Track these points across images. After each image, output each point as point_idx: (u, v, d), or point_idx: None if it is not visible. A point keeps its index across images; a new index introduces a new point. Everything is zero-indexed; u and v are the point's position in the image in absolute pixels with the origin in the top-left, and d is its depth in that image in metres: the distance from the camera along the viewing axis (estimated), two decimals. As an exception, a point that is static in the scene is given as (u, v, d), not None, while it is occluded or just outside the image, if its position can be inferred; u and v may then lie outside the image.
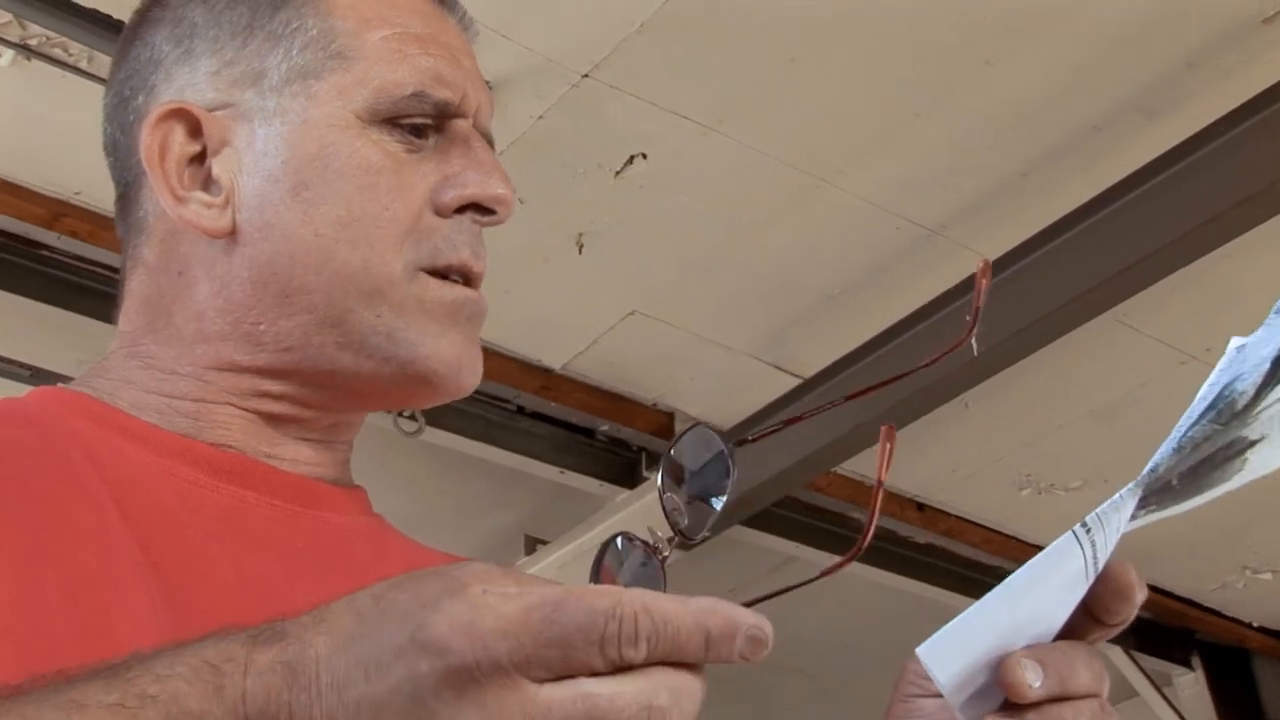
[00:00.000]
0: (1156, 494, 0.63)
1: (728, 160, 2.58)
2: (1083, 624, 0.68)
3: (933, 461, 3.38)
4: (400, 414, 2.92)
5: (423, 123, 0.85)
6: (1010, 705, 0.64)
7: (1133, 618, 0.69)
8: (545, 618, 0.49)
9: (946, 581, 3.64)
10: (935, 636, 0.61)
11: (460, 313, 0.85)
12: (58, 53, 2.33)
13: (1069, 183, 2.55)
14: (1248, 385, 0.58)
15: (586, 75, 2.41)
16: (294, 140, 0.83)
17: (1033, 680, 0.63)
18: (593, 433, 3.31)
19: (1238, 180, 2.24)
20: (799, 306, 2.96)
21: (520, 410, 3.20)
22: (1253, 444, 0.62)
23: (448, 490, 3.36)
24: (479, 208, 0.86)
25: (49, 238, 2.66)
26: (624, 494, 3.29)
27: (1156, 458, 0.61)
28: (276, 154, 0.83)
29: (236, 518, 0.79)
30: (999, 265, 2.56)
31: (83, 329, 2.67)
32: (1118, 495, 0.61)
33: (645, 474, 3.30)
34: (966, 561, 3.67)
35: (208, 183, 0.84)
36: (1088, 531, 0.60)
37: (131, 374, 0.85)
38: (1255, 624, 4.09)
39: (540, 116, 2.50)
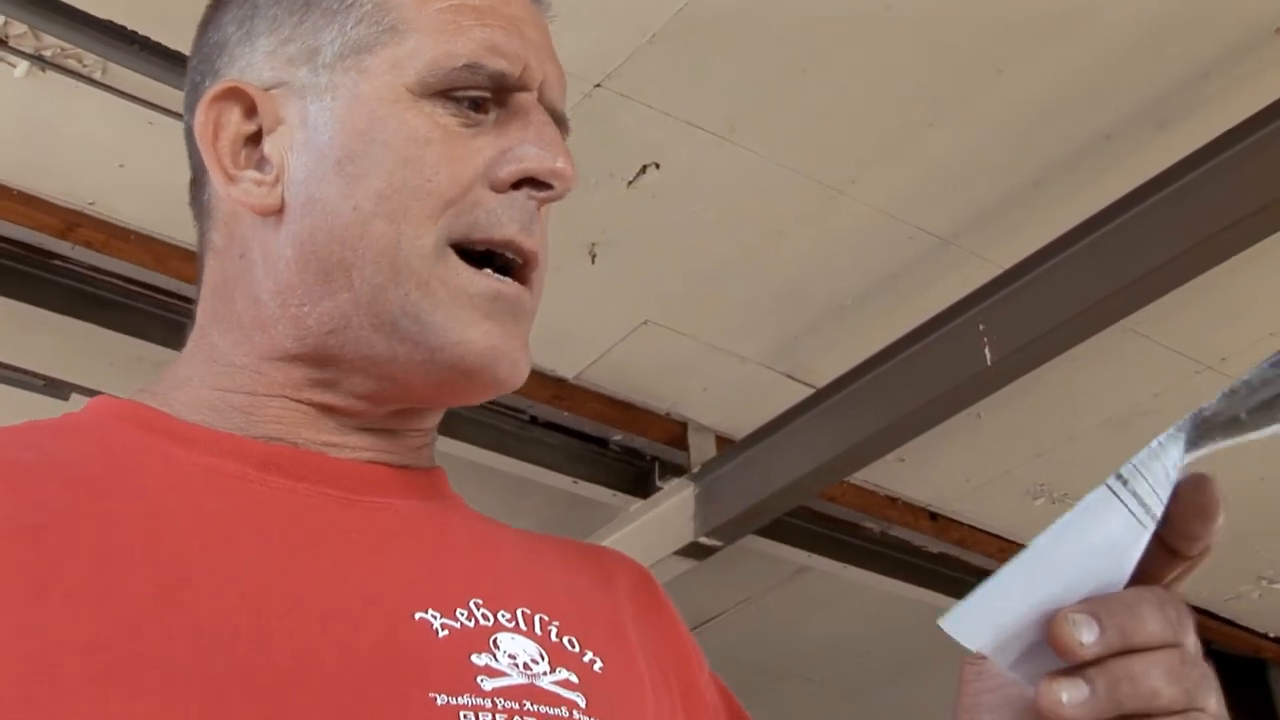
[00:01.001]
0: (1222, 427, 0.61)
1: (740, 170, 2.58)
2: (1162, 564, 0.65)
3: (945, 471, 3.37)
4: (413, 424, 2.92)
5: (480, 95, 0.81)
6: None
7: (1214, 542, 0.65)
8: None
9: (959, 591, 3.59)
10: (959, 605, 0.59)
11: (494, 305, 0.80)
12: (72, 64, 2.34)
13: (1081, 192, 2.55)
14: None
15: (599, 85, 2.41)
16: (344, 115, 0.81)
17: (1084, 636, 0.60)
18: (606, 442, 3.31)
19: (1251, 189, 2.23)
20: (812, 316, 2.96)
21: (533, 420, 3.21)
22: None
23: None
24: (536, 183, 0.82)
25: (63, 248, 2.67)
26: (637, 504, 3.28)
27: (1205, 403, 0.59)
28: (326, 129, 0.81)
29: (284, 510, 0.76)
30: (1011, 275, 2.55)
31: (97, 339, 2.68)
32: (1156, 441, 0.59)
33: (659, 484, 3.29)
34: (979, 571, 3.66)
35: (261, 161, 0.83)
36: (1124, 483, 0.58)
37: (195, 369, 0.83)
38: (1271, 634, 4.08)
39: (553, 126, 2.50)
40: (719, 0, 2.26)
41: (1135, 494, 0.58)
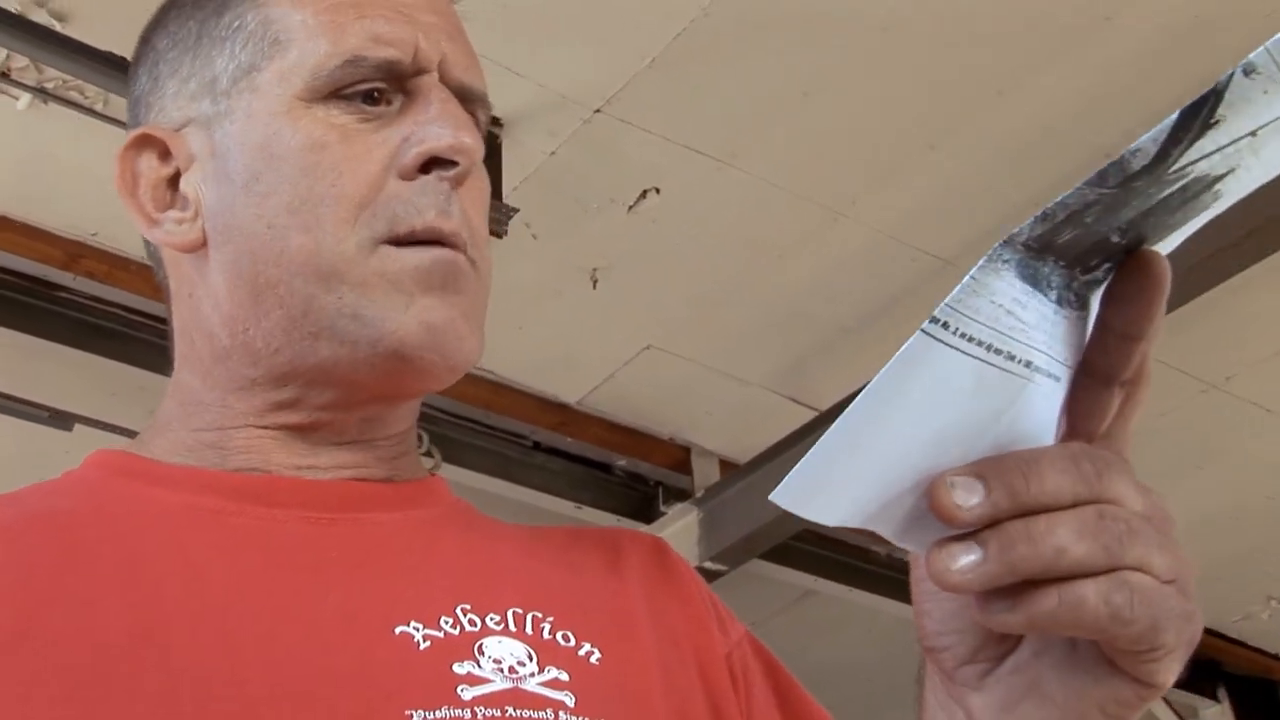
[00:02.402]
0: (1058, 247, 0.54)
1: (741, 193, 2.59)
2: (1094, 407, 0.58)
3: (951, 493, 3.36)
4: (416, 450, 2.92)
5: (373, 88, 0.80)
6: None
7: (1154, 336, 0.57)
8: None
9: (966, 614, 3.62)
10: (786, 477, 0.53)
11: (431, 277, 0.78)
12: (74, 95, 2.34)
13: (1084, 212, 2.55)
14: (1142, 146, 0.53)
15: (599, 110, 2.42)
16: (243, 137, 0.80)
17: (962, 498, 0.54)
18: (609, 468, 3.31)
19: (1254, 206, 2.22)
20: (814, 339, 2.96)
21: (537, 446, 3.20)
22: (1220, 177, 0.57)
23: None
24: (442, 162, 0.80)
25: (66, 279, 2.68)
26: (642, 528, 3.27)
27: (1017, 227, 0.53)
28: (231, 155, 0.81)
29: (262, 539, 0.76)
30: (1015, 295, 2.55)
31: (101, 370, 2.68)
32: (968, 276, 0.52)
33: (662, 509, 3.29)
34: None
35: (181, 200, 0.83)
36: (944, 326, 0.52)
37: (173, 412, 0.84)
38: (1280, 654, 4.06)
39: (553, 152, 2.50)
40: (718, 25, 2.27)
41: (968, 335, 0.53)
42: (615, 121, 2.44)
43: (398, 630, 0.72)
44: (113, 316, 2.70)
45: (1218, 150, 0.54)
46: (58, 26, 2.21)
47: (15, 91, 2.34)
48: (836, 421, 0.53)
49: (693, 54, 2.31)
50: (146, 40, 0.88)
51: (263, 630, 0.70)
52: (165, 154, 0.84)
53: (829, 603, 3.60)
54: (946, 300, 0.52)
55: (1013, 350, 0.54)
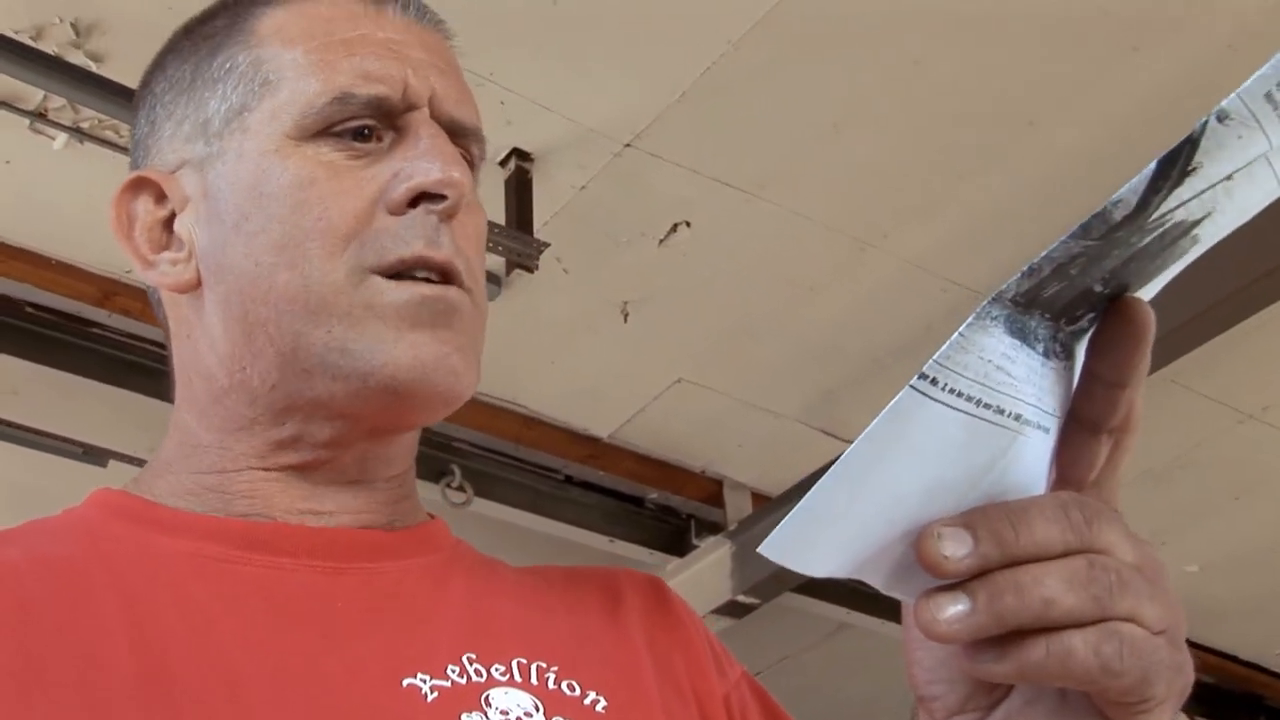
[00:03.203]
0: (1044, 302, 0.55)
1: (771, 226, 2.59)
2: (1082, 456, 0.58)
3: (985, 525, 3.34)
4: (448, 485, 2.92)
5: (363, 125, 0.80)
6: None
7: (1140, 378, 0.57)
8: None
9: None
10: (775, 530, 0.53)
11: (420, 314, 0.77)
12: (109, 135, 2.37)
13: (1116, 242, 2.54)
14: (1124, 197, 0.54)
15: (629, 145, 2.43)
16: (234, 176, 0.81)
17: (949, 549, 0.53)
18: (641, 501, 3.30)
19: (1288, 236, 2.21)
20: (846, 371, 2.95)
21: (569, 480, 3.20)
22: (1197, 222, 0.57)
23: (497, 561, 3.35)
24: (430, 196, 0.79)
25: (100, 316, 2.70)
26: (674, 562, 3.27)
27: (1004, 284, 0.54)
28: (223, 195, 0.81)
29: (269, 589, 0.75)
30: (1047, 326, 2.53)
31: (134, 406, 2.69)
32: (956, 334, 0.53)
33: (695, 541, 3.28)
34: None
35: (176, 241, 0.83)
36: (932, 382, 0.52)
37: (173, 453, 0.84)
38: (1321, 687, 4.01)
39: (583, 186, 2.51)
40: (747, 58, 2.27)
41: (957, 391, 0.53)
42: (645, 155, 2.44)
43: (405, 682, 0.72)
44: (146, 353, 2.71)
45: (1195, 196, 0.55)
46: (94, 67, 2.23)
47: (52, 131, 2.37)
48: (825, 475, 0.53)
49: (722, 87, 2.32)
50: (146, 84, 0.89)
51: (270, 682, 0.70)
52: (160, 196, 0.84)
53: (863, 636, 3.57)
54: (935, 357, 0.53)
55: (1002, 404, 0.55)
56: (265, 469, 0.81)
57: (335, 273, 0.77)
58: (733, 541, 3.11)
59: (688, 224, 2.60)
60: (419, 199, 0.79)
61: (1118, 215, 0.54)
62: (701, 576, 3.14)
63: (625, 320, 2.80)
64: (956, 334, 0.53)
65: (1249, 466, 3.19)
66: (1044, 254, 0.54)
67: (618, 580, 0.90)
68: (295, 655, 0.72)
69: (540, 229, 2.49)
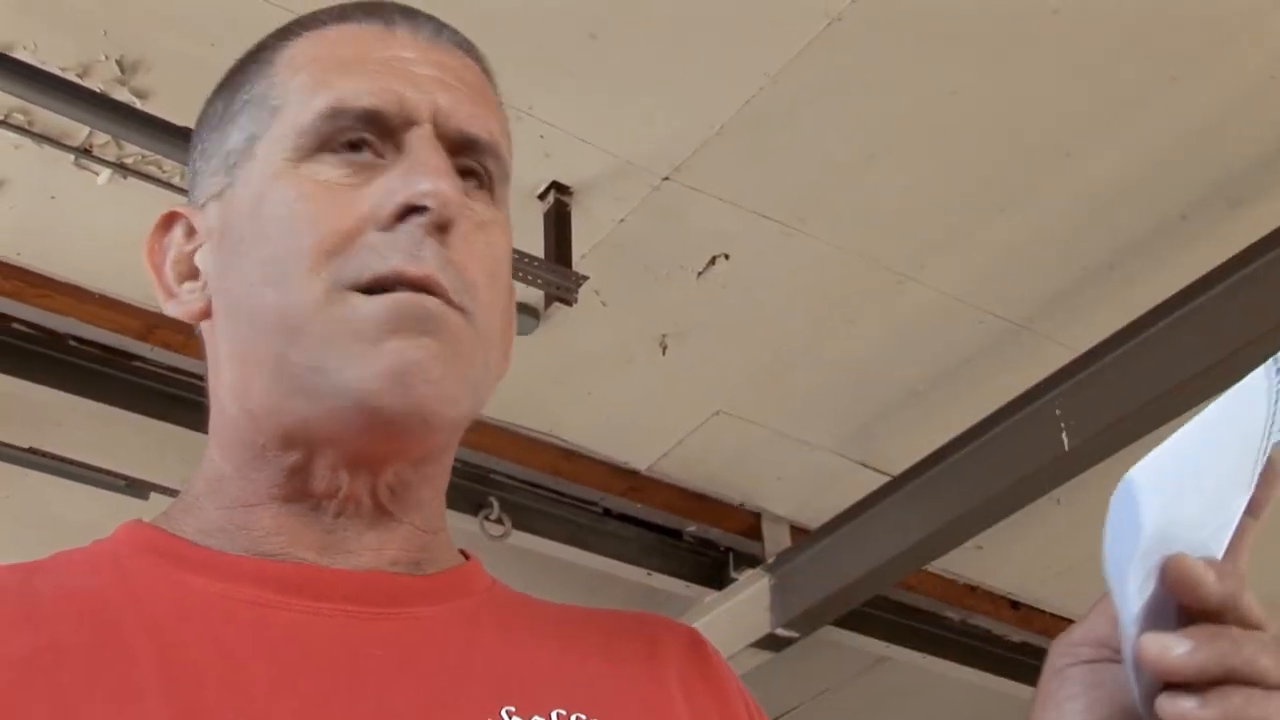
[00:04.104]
0: None
1: (810, 258, 2.59)
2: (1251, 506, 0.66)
3: (1026, 558, 3.31)
4: (486, 517, 2.92)
5: (359, 138, 0.80)
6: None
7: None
8: None
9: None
10: (1147, 459, 0.57)
11: (396, 322, 0.75)
12: (152, 170, 2.40)
13: (1156, 273, 2.52)
14: None
15: (667, 178, 2.43)
16: (240, 203, 0.81)
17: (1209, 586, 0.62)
18: (680, 534, 3.29)
19: None
20: (885, 403, 2.94)
21: (607, 512, 3.19)
22: None
23: (535, 595, 3.35)
24: (419, 209, 0.77)
25: (143, 349, 2.72)
26: (712, 595, 3.25)
27: None
28: (230, 222, 0.82)
29: (304, 634, 0.74)
30: (1087, 359, 2.52)
31: (176, 439, 2.71)
32: None
33: (733, 575, 3.26)
34: (1065, 661, 3.57)
35: (197, 272, 0.85)
36: None
37: (201, 486, 0.83)
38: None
39: (622, 220, 2.52)
40: (786, 91, 2.28)
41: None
42: (684, 188, 2.45)
43: None
44: (188, 386, 2.73)
45: None
46: (138, 104, 2.26)
47: (96, 167, 2.40)
48: (1185, 428, 0.56)
49: (760, 121, 2.32)
50: (196, 125, 0.91)
51: None
52: (191, 231, 0.86)
53: (903, 670, 3.55)
54: None
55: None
56: (285, 500, 0.79)
57: (313, 290, 0.76)
58: (771, 574, 3.09)
59: (726, 256, 2.60)
60: (407, 213, 0.78)
61: None
62: (740, 610, 3.13)
63: (664, 353, 2.80)
64: None
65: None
66: None
67: (656, 629, 0.89)
68: (330, 703, 0.71)
69: (579, 262, 2.50)
